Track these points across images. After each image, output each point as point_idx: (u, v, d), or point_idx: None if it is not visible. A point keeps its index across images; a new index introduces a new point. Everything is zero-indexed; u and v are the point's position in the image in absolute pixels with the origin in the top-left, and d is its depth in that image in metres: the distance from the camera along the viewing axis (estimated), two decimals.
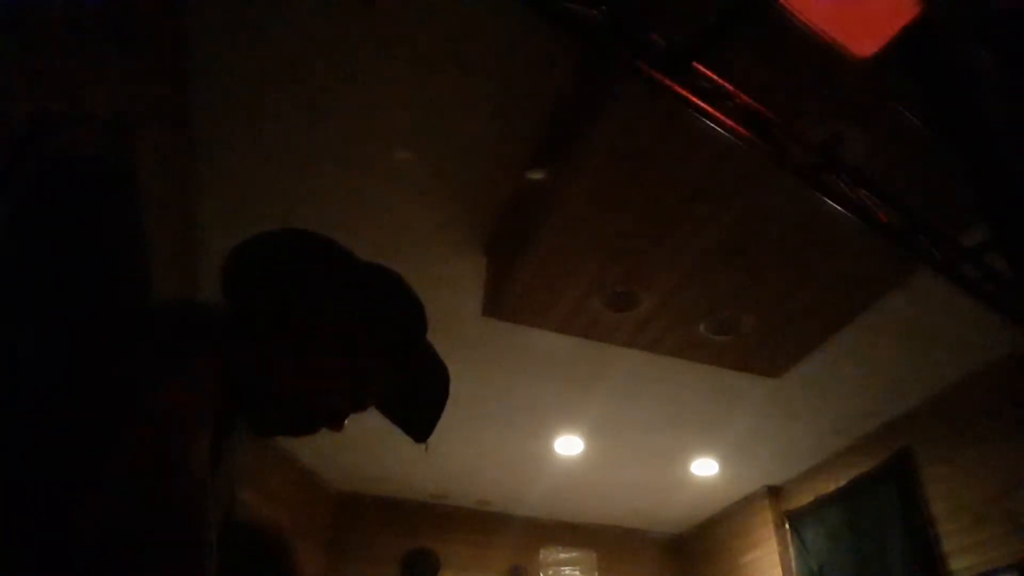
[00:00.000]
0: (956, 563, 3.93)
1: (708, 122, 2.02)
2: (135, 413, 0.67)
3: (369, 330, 0.93)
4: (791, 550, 5.31)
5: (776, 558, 5.34)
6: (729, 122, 2.03)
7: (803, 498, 5.31)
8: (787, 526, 5.43)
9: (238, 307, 0.89)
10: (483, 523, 6.07)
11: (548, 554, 6.16)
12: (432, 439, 1.03)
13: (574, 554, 6.22)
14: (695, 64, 1.96)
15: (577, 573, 6.16)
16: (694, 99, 1.97)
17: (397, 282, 1.00)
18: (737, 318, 3.50)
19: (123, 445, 0.65)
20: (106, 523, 0.61)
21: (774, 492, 5.64)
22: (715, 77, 2.01)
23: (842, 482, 4.92)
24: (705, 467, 5.39)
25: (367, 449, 4.85)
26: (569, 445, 5.09)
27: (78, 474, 0.63)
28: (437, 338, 1.05)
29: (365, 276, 0.97)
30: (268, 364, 0.86)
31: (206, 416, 0.73)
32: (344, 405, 0.92)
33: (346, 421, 0.94)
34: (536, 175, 2.87)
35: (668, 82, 1.93)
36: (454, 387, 1.04)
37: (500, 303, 3.43)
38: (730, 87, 2.04)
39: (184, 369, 0.74)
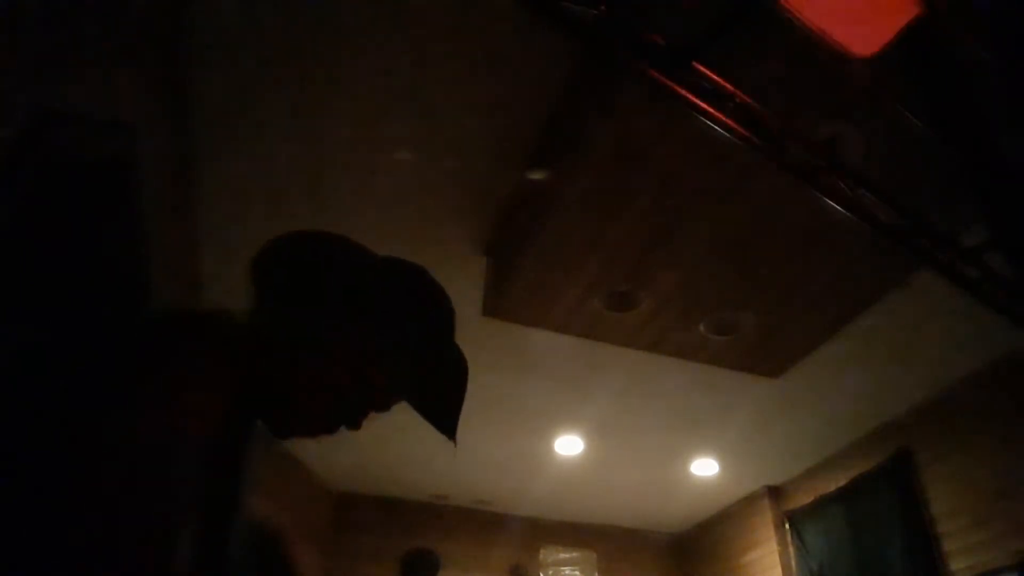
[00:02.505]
0: (956, 563, 3.93)
1: (708, 122, 2.02)
2: (136, 404, 0.67)
3: (390, 331, 0.92)
4: (791, 550, 5.31)
5: (776, 558, 5.34)
6: (729, 122, 2.03)
7: (803, 498, 5.31)
8: (787, 526, 5.43)
9: (260, 311, 0.90)
10: (483, 523, 6.07)
11: (548, 554, 6.15)
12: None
13: (574, 554, 6.22)
14: (695, 64, 1.96)
15: (577, 573, 6.16)
16: (694, 99, 1.97)
17: (418, 277, 0.97)
18: (737, 318, 3.50)
19: (120, 436, 0.65)
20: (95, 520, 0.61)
21: (774, 492, 5.64)
22: (715, 77, 2.01)
23: (842, 482, 4.92)
24: (705, 467, 5.39)
25: (367, 449, 4.85)
26: (569, 445, 5.09)
27: (76, 460, 0.63)
28: None
29: (385, 274, 0.95)
30: (288, 367, 0.87)
31: (209, 413, 0.73)
32: (364, 406, 0.92)
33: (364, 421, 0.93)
34: (536, 175, 2.87)
35: (668, 82, 1.93)
36: None
37: (500, 303, 3.43)
38: (730, 87, 2.04)
39: (189, 365, 0.73)
